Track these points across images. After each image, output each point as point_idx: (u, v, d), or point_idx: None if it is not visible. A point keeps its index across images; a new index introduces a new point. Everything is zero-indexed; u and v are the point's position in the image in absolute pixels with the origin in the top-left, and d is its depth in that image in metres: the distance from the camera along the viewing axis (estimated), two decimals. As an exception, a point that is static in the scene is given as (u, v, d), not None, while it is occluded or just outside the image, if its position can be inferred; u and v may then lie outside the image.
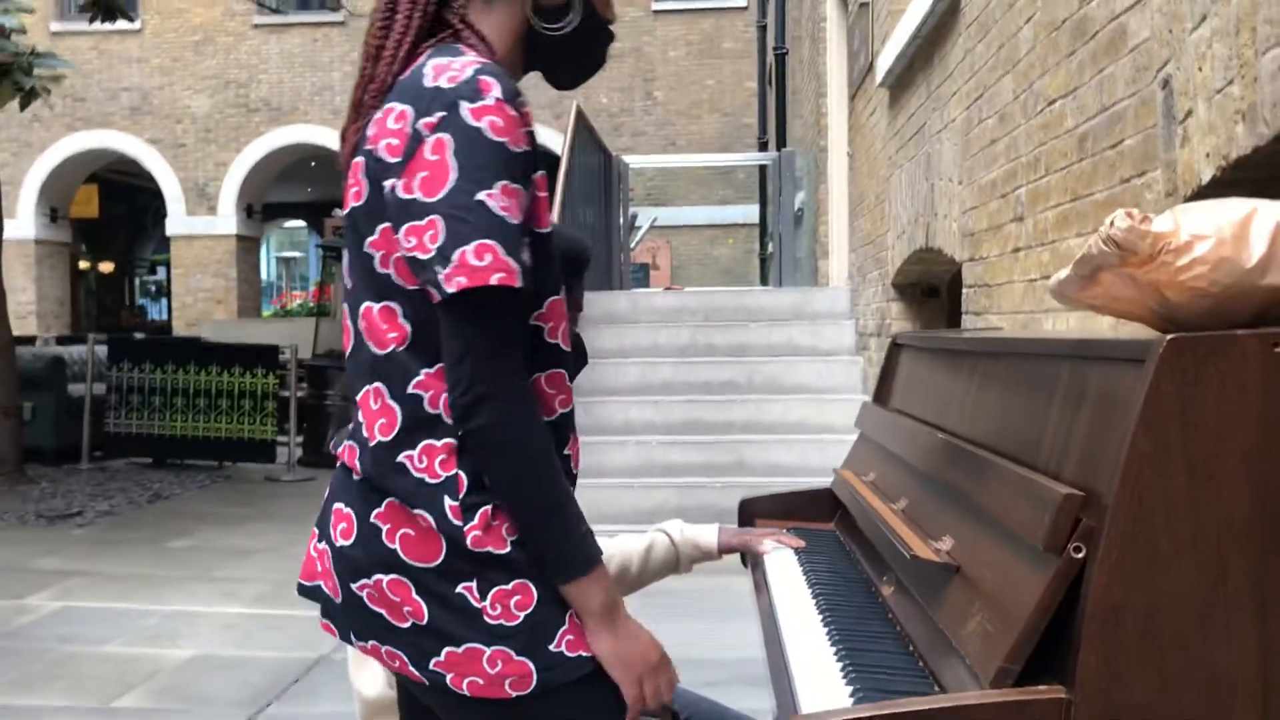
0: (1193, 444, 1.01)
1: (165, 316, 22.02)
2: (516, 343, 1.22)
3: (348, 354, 1.34)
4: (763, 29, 13.48)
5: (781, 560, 1.90)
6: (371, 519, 1.26)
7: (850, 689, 1.25)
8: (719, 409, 6.63)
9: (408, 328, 1.25)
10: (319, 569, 1.32)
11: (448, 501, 1.22)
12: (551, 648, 1.22)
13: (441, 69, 1.23)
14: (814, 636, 1.48)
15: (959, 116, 3.85)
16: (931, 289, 5.68)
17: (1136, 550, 1.00)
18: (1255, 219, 1.09)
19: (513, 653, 1.21)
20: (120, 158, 17.88)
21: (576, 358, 2.03)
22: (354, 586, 1.27)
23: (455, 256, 1.16)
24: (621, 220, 10.30)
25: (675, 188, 16.62)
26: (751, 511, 2.25)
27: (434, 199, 1.18)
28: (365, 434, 1.28)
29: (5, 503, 7.68)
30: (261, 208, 18.62)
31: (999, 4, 3.31)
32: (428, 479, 1.23)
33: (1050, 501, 1.08)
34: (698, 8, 16.73)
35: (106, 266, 23.23)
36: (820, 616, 1.56)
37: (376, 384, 1.27)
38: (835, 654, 1.39)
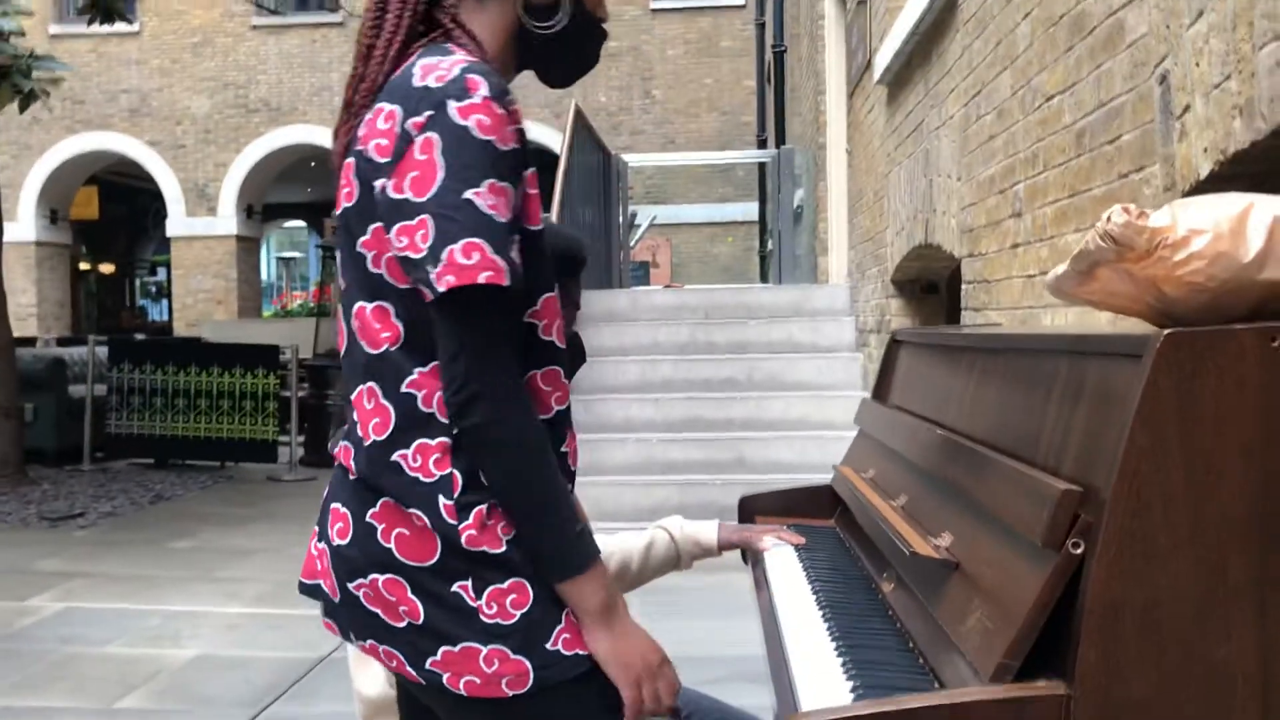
0: (1191, 439, 1.01)
1: (166, 317, 22.02)
2: (508, 340, 1.22)
3: (342, 354, 1.34)
4: (761, 27, 13.48)
5: (781, 557, 1.90)
6: (367, 518, 1.26)
7: (850, 685, 1.25)
8: (719, 406, 6.63)
9: (400, 327, 1.25)
10: (319, 568, 1.32)
11: (442, 500, 1.22)
12: (548, 646, 1.22)
13: (429, 68, 1.23)
14: (814, 633, 1.48)
15: (957, 113, 3.85)
16: (931, 285, 5.67)
17: (1135, 545, 1.00)
18: (1252, 213, 1.08)
19: (509, 651, 1.21)
20: (120, 159, 17.88)
21: (574, 355, 2.04)
22: (351, 586, 1.27)
23: (444, 255, 1.16)
24: (621, 219, 10.30)
25: (674, 186, 16.62)
26: (752, 508, 2.25)
27: (424, 199, 1.18)
28: (360, 433, 1.28)
29: (7, 505, 7.68)
30: (261, 208, 18.62)
31: (996, 0, 3.31)
32: (422, 478, 1.23)
33: (1048, 497, 1.08)
34: (696, 6, 16.72)
35: (107, 268, 23.25)
36: (820, 613, 1.56)
37: (370, 383, 1.28)
38: (835, 650, 1.39)
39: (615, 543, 2.03)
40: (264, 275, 23.38)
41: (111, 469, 9.30)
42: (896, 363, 2.30)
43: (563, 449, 1.31)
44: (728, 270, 16.42)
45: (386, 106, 1.24)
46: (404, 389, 1.25)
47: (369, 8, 1.34)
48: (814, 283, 8.82)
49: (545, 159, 11.51)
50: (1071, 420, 1.19)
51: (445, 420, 1.23)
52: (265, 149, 17.40)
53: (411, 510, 1.23)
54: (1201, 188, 1.87)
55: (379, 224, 1.24)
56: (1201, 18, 1.88)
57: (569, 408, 1.34)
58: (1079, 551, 1.03)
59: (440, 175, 1.18)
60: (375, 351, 1.27)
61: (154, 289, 25.74)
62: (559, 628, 1.23)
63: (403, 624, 1.24)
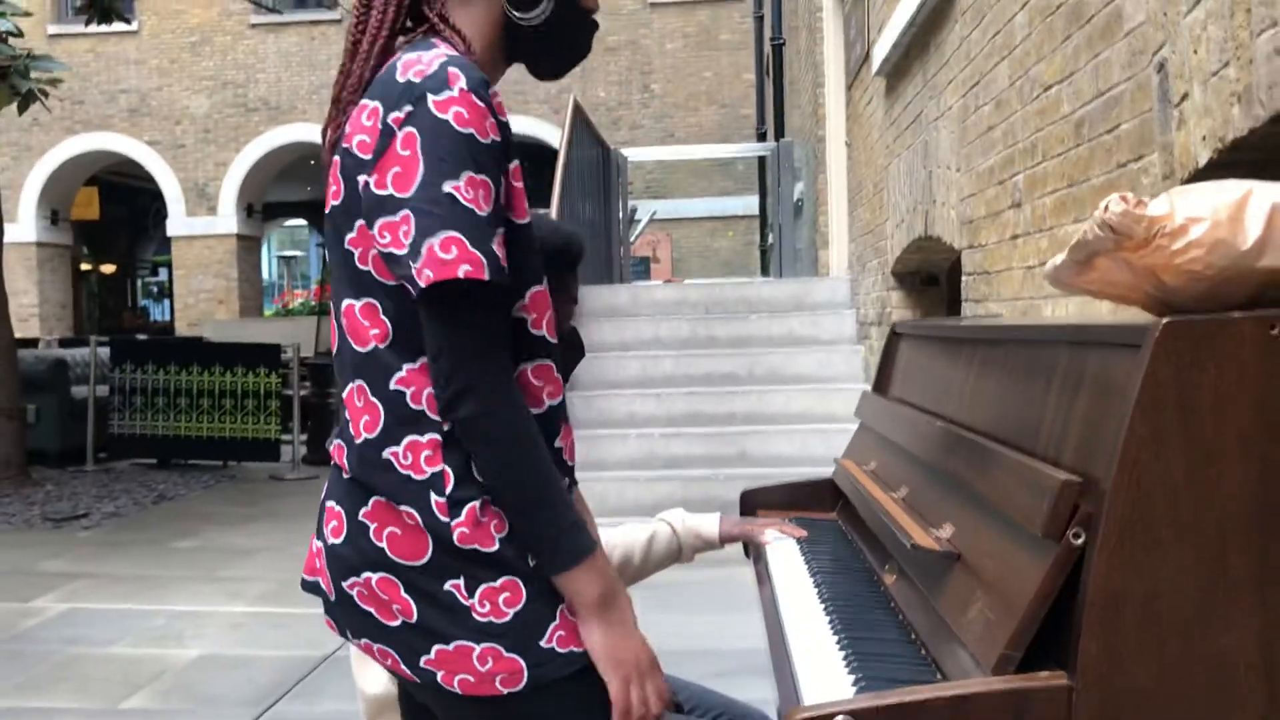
0: (1191, 428, 1.00)
1: (167, 317, 22.04)
2: (494, 334, 1.21)
3: (334, 352, 1.34)
4: (759, 20, 13.46)
5: (783, 550, 1.90)
6: (359, 517, 1.26)
7: (853, 678, 1.25)
8: (721, 400, 6.63)
9: (388, 324, 1.25)
10: (318, 565, 1.32)
11: (434, 498, 1.21)
12: (542, 644, 1.21)
13: (410, 64, 1.22)
14: (816, 626, 1.48)
15: (955, 104, 3.85)
16: (931, 277, 5.67)
17: (1135, 536, 1.00)
18: (1251, 201, 1.08)
19: (503, 650, 1.20)
20: (120, 159, 17.88)
21: (573, 351, 2.03)
22: (345, 585, 1.27)
23: (424, 250, 1.16)
24: (621, 214, 10.29)
25: (674, 180, 16.61)
26: (754, 502, 2.25)
27: (406, 194, 1.18)
28: (352, 431, 1.28)
29: (11, 506, 7.69)
30: (262, 207, 18.62)
31: (994, -10, 3.30)
32: (413, 475, 1.23)
33: (1049, 488, 1.08)
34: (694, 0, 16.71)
35: (108, 268, 23.26)
36: (822, 606, 1.56)
37: (359, 381, 1.27)
38: (837, 643, 1.39)
39: (617, 535, 2.03)
40: (265, 274, 23.38)
41: (114, 469, 9.30)
42: (897, 355, 2.30)
43: (557, 444, 1.31)
44: (728, 264, 16.41)
45: (370, 103, 1.24)
46: (393, 386, 1.24)
47: (357, 4, 1.34)
48: (815, 276, 8.80)
49: (544, 154, 11.50)
50: (1071, 411, 1.19)
51: (435, 417, 1.22)
52: (265, 148, 17.39)
53: (403, 508, 1.23)
54: (1200, 175, 1.87)
55: (364, 220, 1.23)
56: (1199, 5, 1.87)
57: (563, 402, 1.33)
58: (1080, 542, 1.03)
59: (421, 170, 1.17)
60: (364, 349, 1.26)
61: (155, 289, 25.76)
62: (553, 625, 1.22)
63: (396, 623, 1.23)
